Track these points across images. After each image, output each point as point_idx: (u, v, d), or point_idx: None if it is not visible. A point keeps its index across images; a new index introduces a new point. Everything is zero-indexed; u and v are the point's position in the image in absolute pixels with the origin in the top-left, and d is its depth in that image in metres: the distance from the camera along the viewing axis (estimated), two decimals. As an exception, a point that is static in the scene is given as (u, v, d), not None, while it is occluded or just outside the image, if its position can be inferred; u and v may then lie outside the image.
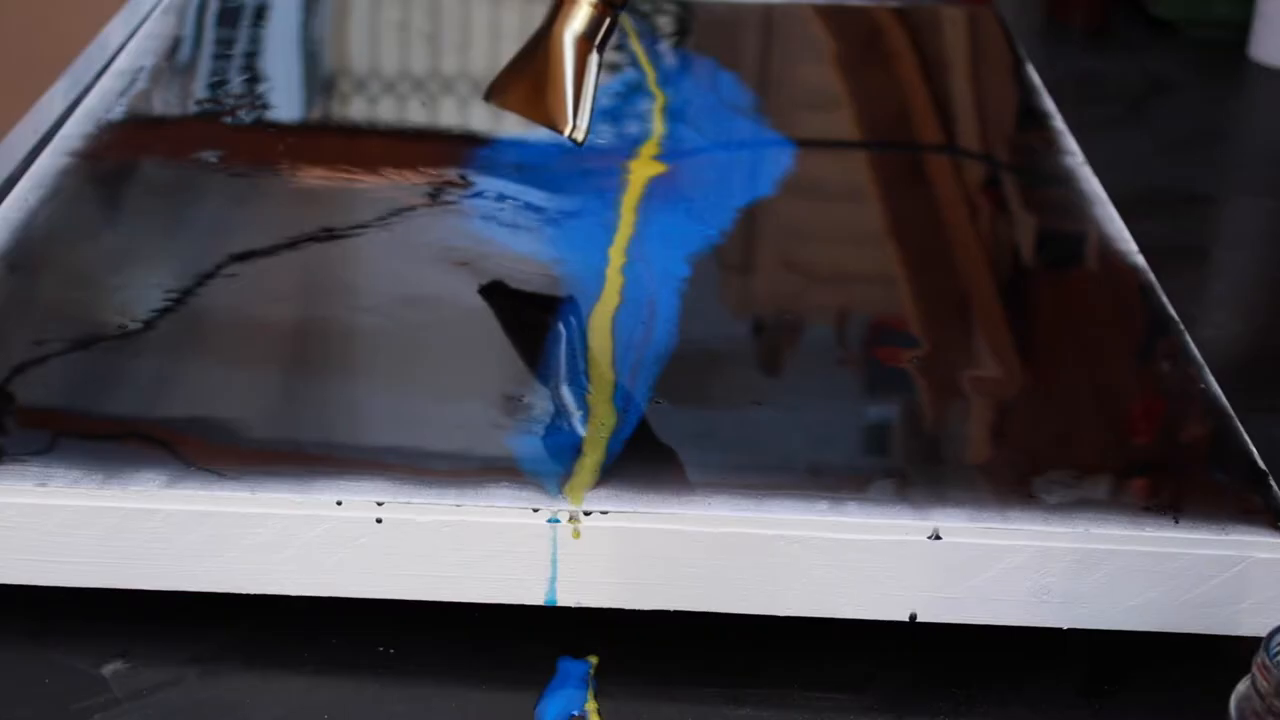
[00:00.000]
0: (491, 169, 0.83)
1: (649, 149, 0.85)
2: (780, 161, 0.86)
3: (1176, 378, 0.69)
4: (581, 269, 0.74)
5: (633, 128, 0.88)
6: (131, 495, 0.58)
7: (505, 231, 0.77)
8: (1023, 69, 0.99)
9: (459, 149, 0.86)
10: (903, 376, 0.68)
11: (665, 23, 1.03)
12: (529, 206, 0.80)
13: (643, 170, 0.83)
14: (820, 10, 1.06)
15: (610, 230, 0.77)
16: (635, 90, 0.92)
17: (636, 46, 0.98)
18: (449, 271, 0.75)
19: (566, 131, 0.74)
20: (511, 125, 0.86)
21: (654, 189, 0.81)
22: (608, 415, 0.63)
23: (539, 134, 0.79)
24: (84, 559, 0.59)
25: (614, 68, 0.95)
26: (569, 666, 0.59)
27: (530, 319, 0.71)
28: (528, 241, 0.76)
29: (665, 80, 0.94)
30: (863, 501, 0.59)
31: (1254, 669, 0.49)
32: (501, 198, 0.80)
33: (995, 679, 0.59)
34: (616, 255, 0.75)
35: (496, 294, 0.74)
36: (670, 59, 0.98)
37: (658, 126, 0.88)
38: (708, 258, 0.76)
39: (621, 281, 0.73)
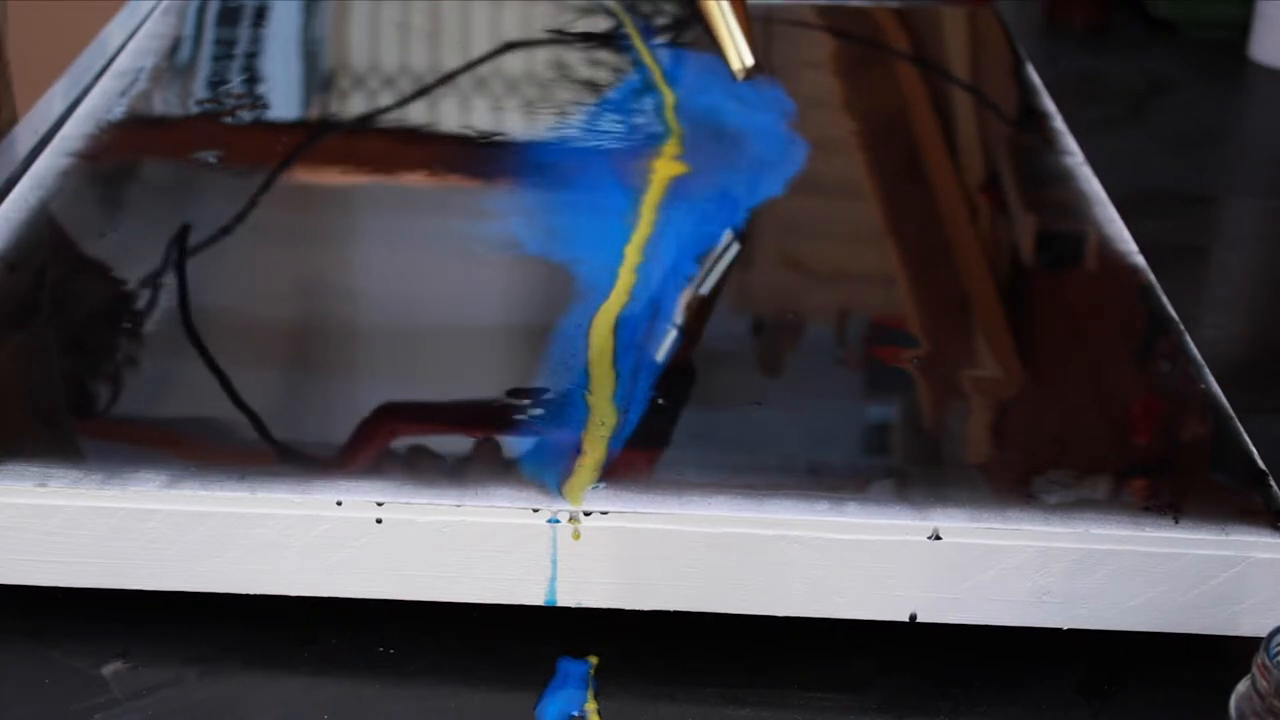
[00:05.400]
0: (514, 169, 0.83)
1: (671, 149, 0.85)
2: (792, 161, 0.86)
3: (1176, 378, 0.69)
4: (596, 268, 0.74)
5: (650, 127, 0.88)
6: (131, 495, 0.58)
7: (524, 231, 0.77)
8: (1023, 69, 0.99)
9: (475, 149, 0.86)
10: (903, 376, 0.68)
11: (667, 23, 1.03)
12: (550, 206, 0.80)
13: (666, 170, 0.83)
14: (820, 10, 1.06)
15: (629, 229, 0.77)
16: (649, 89, 0.92)
17: (640, 46, 0.98)
18: (455, 271, 0.75)
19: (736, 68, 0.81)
20: (534, 125, 0.87)
21: (675, 189, 0.81)
22: (608, 415, 0.63)
23: (561, 133, 0.80)
24: (84, 559, 0.58)
25: (621, 68, 0.95)
26: (569, 666, 0.59)
27: (535, 318, 0.71)
28: (545, 240, 0.76)
29: (677, 79, 0.94)
30: (863, 501, 0.59)
31: (1254, 669, 0.49)
32: (523, 198, 0.80)
33: (995, 679, 0.59)
34: (632, 254, 0.75)
35: (503, 293, 0.74)
36: (677, 58, 0.98)
37: (675, 126, 0.88)
38: (717, 258, 0.76)
39: (632, 281, 0.73)
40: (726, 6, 0.82)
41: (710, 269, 0.71)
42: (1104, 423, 0.66)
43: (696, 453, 0.62)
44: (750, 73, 0.80)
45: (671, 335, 0.70)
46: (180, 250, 0.75)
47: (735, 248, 0.73)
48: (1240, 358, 0.82)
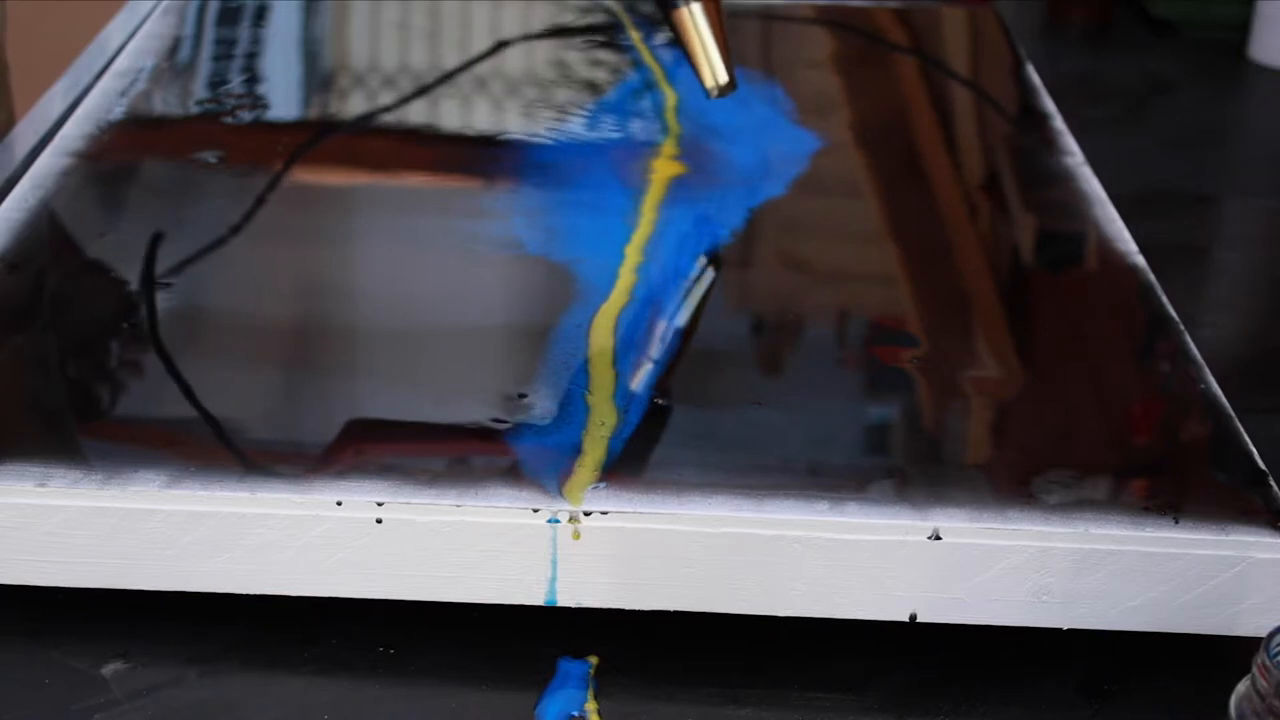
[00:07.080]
0: (515, 169, 0.83)
1: (669, 149, 0.85)
2: (792, 161, 0.86)
3: (1176, 378, 0.69)
4: (596, 268, 0.74)
5: (650, 127, 0.88)
6: (131, 495, 0.58)
7: (525, 231, 0.77)
8: (1023, 69, 0.99)
9: (476, 149, 0.86)
10: (903, 376, 0.68)
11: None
12: (551, 206, 0.80)
13: (665, 170, 0.83)
14: (820, 10, 1.06)
15: (630, 229, 0.77)
16: (649, 89, 0.92)
17: (641, 46, 0.98)
18: (456, 271, 0.75)
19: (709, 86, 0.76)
20: (535, 125, 0.87)
21: (675, 189, 0.81)
22: (608, 415, 0.63)
23: (561, 133, 0.81)
24: (84, 559, 0.58)
25: (621, 68, 0.95)
26: (569, 666, 0.59)
27: (535, 318, 0.71)
28: (546, 240, 0.76)
29: (676, 79, 0.94)
30: (863, 501, 0.59)
31: (1254, 669, 0.49)
32: (522, 197, 0.80)
33: (995, 679, 0.59)
34: (632, 254, 0.75)
35: (504, 293, 0.74)
36: (677, 58, 0.98)
37: (675, 126, 0.88)
38: (717, 258, 0.76)
39: (632, 280, 0.73)
40: (698, 11, 0.77)
41: None
42: (1104, 423, 0.66)
43: (696, 453, 0.62)
44: (724, 91, 0.77)
45: (672, 334, 0.70)
46: (179, 250, 0.75)
47: None
48: (1240, 358, 0.82)
